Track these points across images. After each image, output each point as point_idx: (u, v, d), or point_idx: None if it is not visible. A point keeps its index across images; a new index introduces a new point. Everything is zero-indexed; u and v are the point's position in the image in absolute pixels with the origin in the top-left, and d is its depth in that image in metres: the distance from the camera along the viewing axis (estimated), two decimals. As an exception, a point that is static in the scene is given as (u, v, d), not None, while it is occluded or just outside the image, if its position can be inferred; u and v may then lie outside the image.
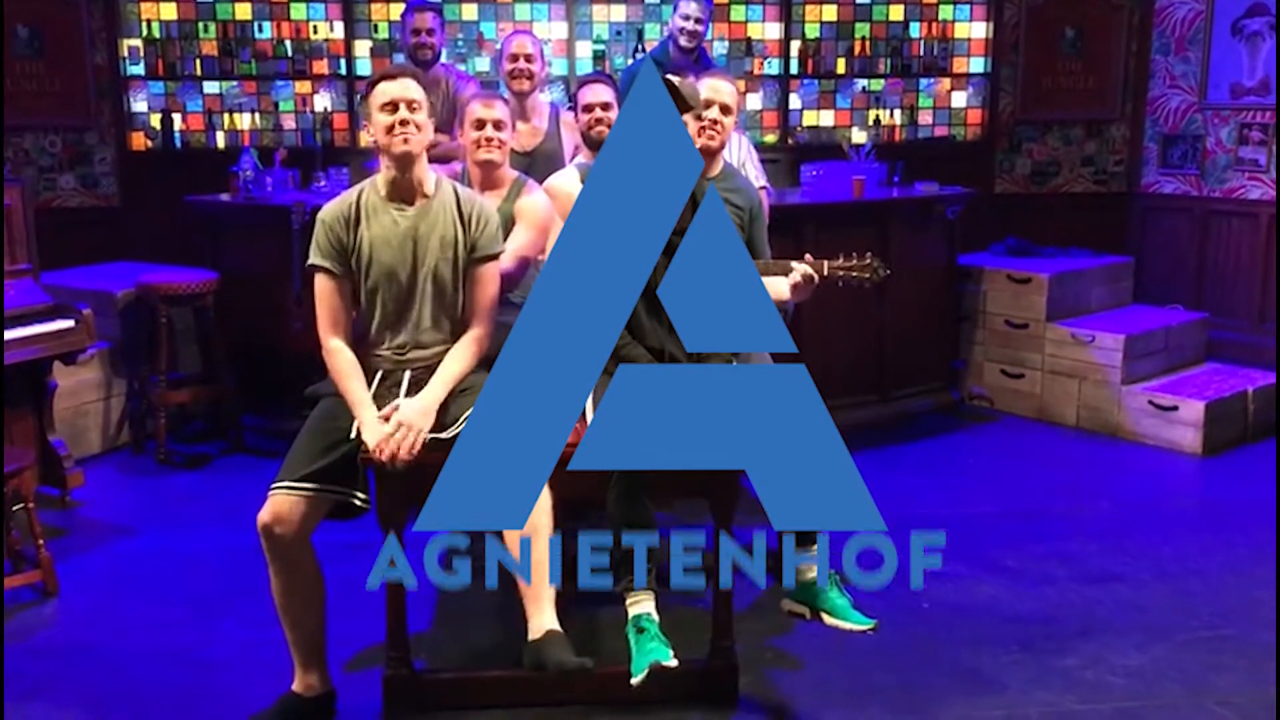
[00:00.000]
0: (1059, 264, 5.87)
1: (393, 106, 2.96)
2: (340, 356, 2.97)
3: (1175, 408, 5.20)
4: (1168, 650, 3.40)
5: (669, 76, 3.08)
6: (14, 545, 3.84)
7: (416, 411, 2.86)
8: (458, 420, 2.88)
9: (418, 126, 2.96)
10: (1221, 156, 6.75)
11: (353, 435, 2.90)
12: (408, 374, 3.01)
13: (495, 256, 3.09)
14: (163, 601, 3.75)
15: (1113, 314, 5.82)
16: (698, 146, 3.57)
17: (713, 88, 3.55)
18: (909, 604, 3.69)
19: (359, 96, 5.40)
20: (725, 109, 3.56)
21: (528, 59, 4.54)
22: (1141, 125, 7.09)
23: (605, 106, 4.06)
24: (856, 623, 3.06)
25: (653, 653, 2.75)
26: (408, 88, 2.98)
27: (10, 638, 3.47)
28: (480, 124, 3.48)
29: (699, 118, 3.49)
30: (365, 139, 3.07)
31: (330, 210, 3.02)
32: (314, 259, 2.99)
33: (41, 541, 3.73)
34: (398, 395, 2.95)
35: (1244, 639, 3.46)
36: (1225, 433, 5.20)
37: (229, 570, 3.96)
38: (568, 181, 3.55)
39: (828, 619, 3.09)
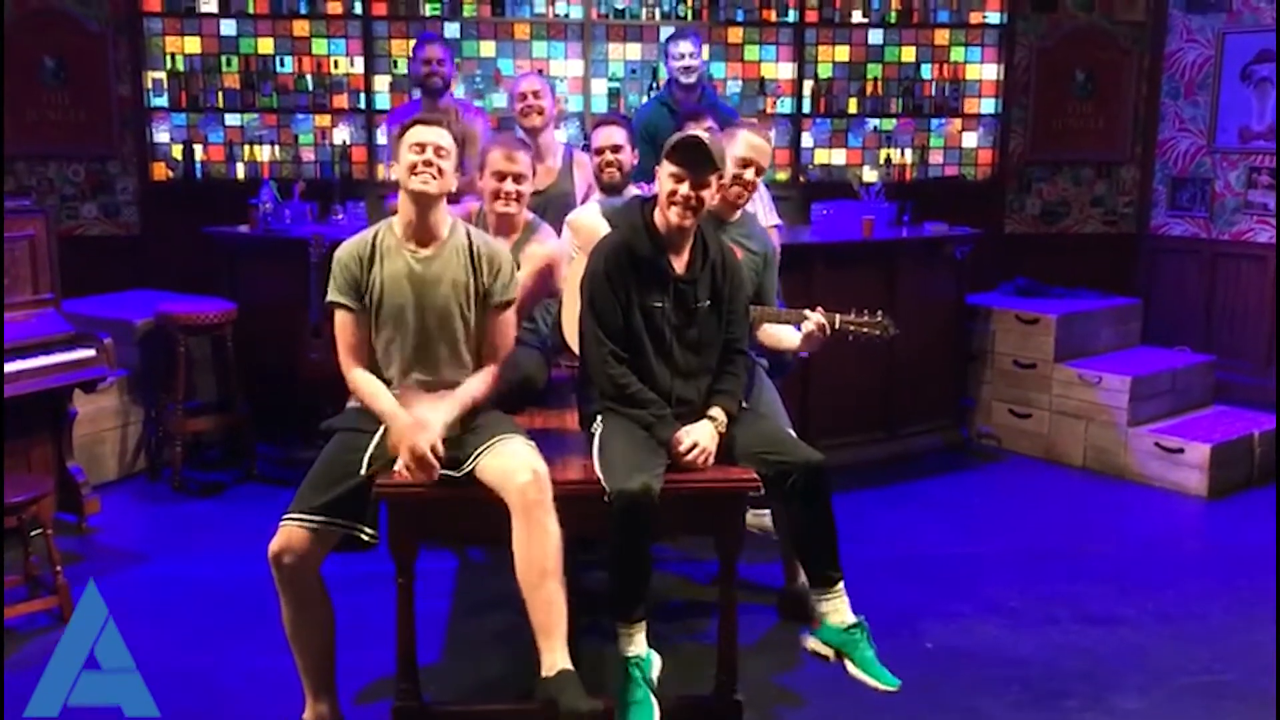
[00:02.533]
0: (1067, 305, 5.92)
1: (420, 148, 3.03)
2: (364, 381, 3.05)
3: (1181, 450, 5.23)
4: (1168, 694, 3.43)
5: (699, 134, 3.15)
6: (32, 571, 3.90)
7: (433, 418, 2.92)
8: (470, 457, 2.93)
9: (440, 171, 3.03)
10: (1230, 200, 6.80)
11: (363, 471, 2.95)
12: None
13: (509, 304, 3.16)
14: (176, 628, 3.81)
15: (1120, 355, 5.86)
16: (730, 199, 3.62)
17: (754, 148, 3.60)
18: (913, 643, 3.74)
19: (389, 134, 5.52)
20: (760, 170, 3.64)
21: (536, 95, 4.67)
22: (1151, 167, 7.16)
23: (615, 149, 4.15)
24: (884, 682, 3.02)
25: (638, 707, 2.83)
26: (439, 135, 3.06)
27: (27, 662, 3.53)
28: (501, 176, 3.56)
29: (737, 179, 3.56)
30: (390, 173, 3.15)
31: (347, 249, 3.10)
32: (332, 295, 3.07)
33: (59, 567, 3.79)
34: (409, 430, 3.01)
35: (1245, 684, 3.49)
36: (1231, 476, 5.23)
37: (242, 598, 4.01)
38: (591, 217, 3.63)
39: (853, 669, 3.07)
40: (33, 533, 3.85)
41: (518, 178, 3.58)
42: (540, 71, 6.18)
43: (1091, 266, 6.91)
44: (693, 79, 5.23)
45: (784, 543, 3.90)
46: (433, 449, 2.86)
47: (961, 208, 6.43)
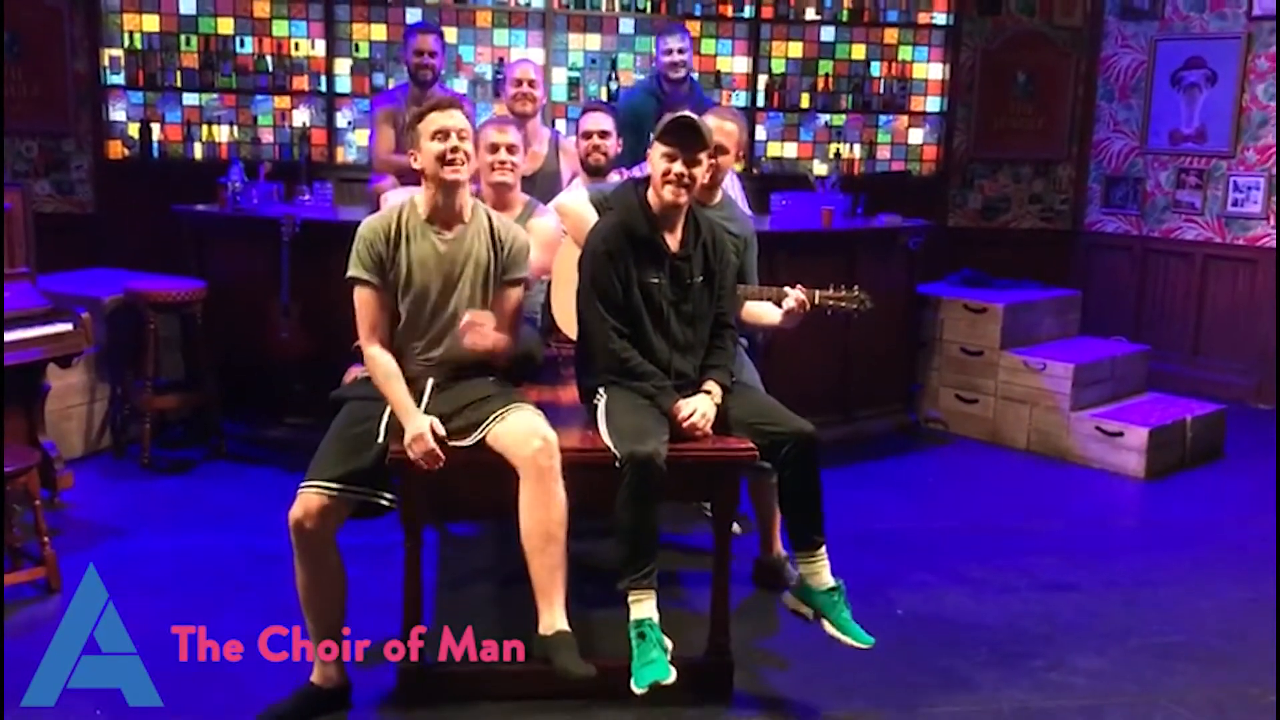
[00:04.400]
0: (1012, 295, 6.16)
1: (444, 135, 3.08)
2: (382, 362, 3.11)
3: (1120, 434, 5.51)
4: (1123, 654, 3.66)
5: (688, 114, 3.29)
6: (14, 542, 3.90)
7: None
8: (482, 425, 3.04)
9: (467, 155, 3.11)
10: (1160, 199, 7.15)
11: (380, 439, 3.04)
12: (430, 381, 3.15)
13: (520, 280, 3.26)
14: (165, 598, 3.83)
15: (1062, 344, 6.13)
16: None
17: (716, 130, 3.68)
18: (885, 609, 3.94)
19: (371, 117, 5.55)
20: (720, 149, 3.73)
21: (530, 84, 4.78)
22: (1086, 166, 7.49)
23: (603, 134, 4.28)
24: (859, 640, 3.19)
25: (653, 666, 2.96)
26: (457, 118, 3.12)
27: (15, 632, 3.54)
28: (495, 148, 3.67)
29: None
30: (412, 164, 3.20)
31: (372, 226, 3.14)
32: (354, 271, 3.12)
33: (46, 539, 3.80)
34: (420, 400, 3.10)
35: (1191, 644, 3.74)
36: (1166, 458, 5.52)
37: (226, 570, 4.07)
38: (578, 201, 3.74)
39: (830, 628, 3.24)
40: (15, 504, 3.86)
41: (510, 148, 3.71)
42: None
43: (1029, 260, 7.19)
44: (680, 73, 5.40)
45: (760, 513, 4.07)
46: (439, 444, 2.98)
47: (907, 202, 6.65)
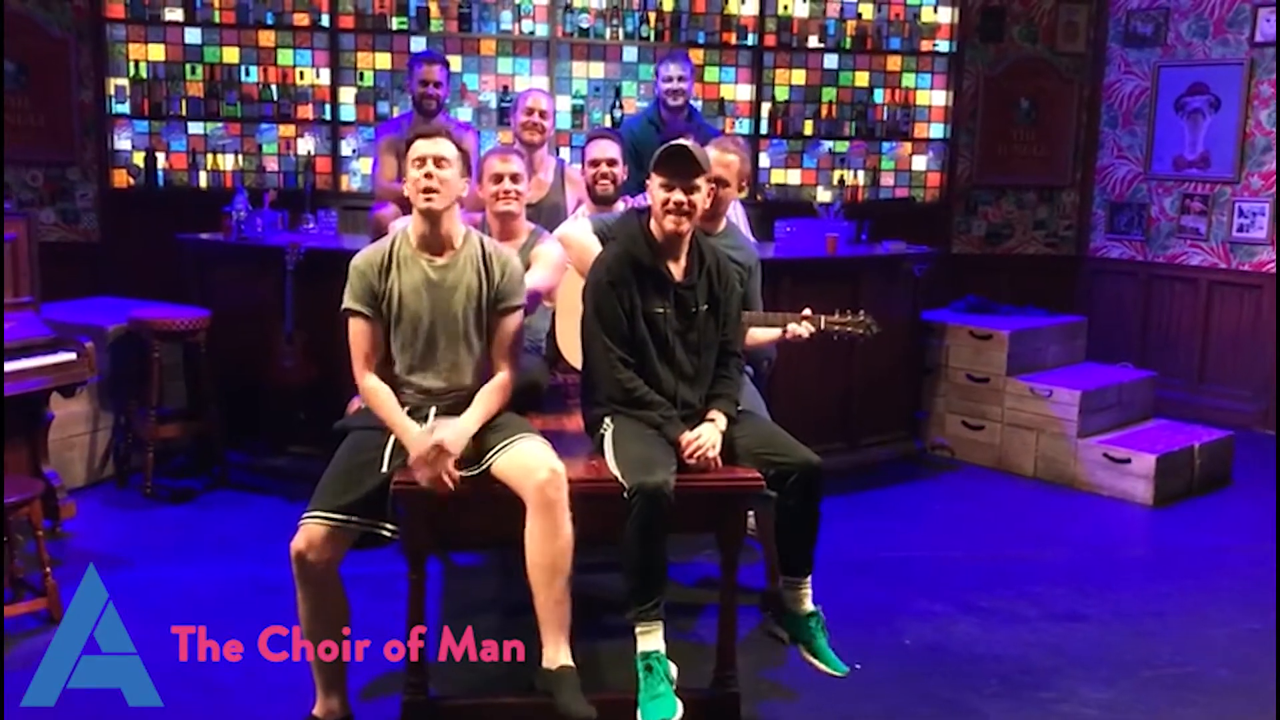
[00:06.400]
0: (1017, 321, 6.15)
1: (421, 162, 3.10)
2: (378, 392, 3.11)
3: (1128, 460, 5.48)
4: (1135, 685, 3.62)
5: (682, 141, 3.29)
6: (16, 573, 3.88)
7: (452, 437, 2.99)
8: (488, 455, 3.02)
9: (443, 182, 3.09)
10: (1164, 224, 7.15)
11: (384, 468, 3.03)
12: (433, 410, 3.14)
13: (517, 308, 3.25)
14: (167, 629, 3.78)
15: (1068, 370, 6.11)
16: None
17: (715, 162, 3.67)
18: (891, 640, 3.90)
19: (375, 146, 5.56)
20: (723, 183, 3.74)
21: (541, 114, 4.79)
22: (1090, 192, 7.49)
23: (610, 162, 4.28)
24: (832, 667, 3.22)
25: (660, 701, 2.93)
26: (438, 145, 3.12)
27: (16, 664, 3.51)
28: (498, 178, 3.68)
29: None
30: (404, 192, 3.22)
31: (364, 257, 3.16)
32: (348, 303, 3.13)
33: (48, 569, 3.78)
34: (422, 431, 3.09)
35: (1203, 675, 3.70)
36: (1174, 485, 5.49)
37: (229, 600, 4.04)
38: (581, 232, 3.73)
39: (805, 653, 3.26)
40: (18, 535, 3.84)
41: (514, 177, 3.72)
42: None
43: (1033, 286, 7.19)
44: (679, 101, 5.41)
45: (767, 543, 4.04)
46: (449, 470, 2.96)
47: (911, 228, 6.64)
